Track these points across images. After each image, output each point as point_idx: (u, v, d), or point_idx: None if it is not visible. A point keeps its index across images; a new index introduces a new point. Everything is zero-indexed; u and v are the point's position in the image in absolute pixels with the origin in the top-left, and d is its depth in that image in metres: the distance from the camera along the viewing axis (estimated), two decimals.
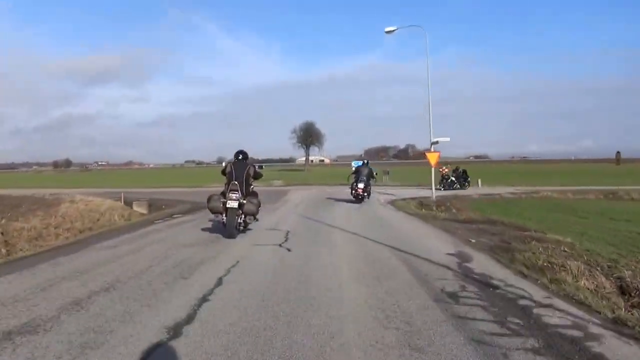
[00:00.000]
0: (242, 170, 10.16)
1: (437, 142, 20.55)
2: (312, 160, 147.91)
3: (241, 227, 10.19)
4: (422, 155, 25.37)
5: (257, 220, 10.66)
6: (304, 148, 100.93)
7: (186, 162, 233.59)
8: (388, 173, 43.33)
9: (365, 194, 20.00)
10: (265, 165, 15.00)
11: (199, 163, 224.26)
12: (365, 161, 22.00)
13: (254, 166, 10.64)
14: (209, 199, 10.05)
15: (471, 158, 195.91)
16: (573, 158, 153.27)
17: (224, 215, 9.90)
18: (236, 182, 9.93)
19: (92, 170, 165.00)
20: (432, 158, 20.23)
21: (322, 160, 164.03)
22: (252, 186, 10.44)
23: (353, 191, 19.77)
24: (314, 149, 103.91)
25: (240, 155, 10.48)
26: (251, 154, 11.14)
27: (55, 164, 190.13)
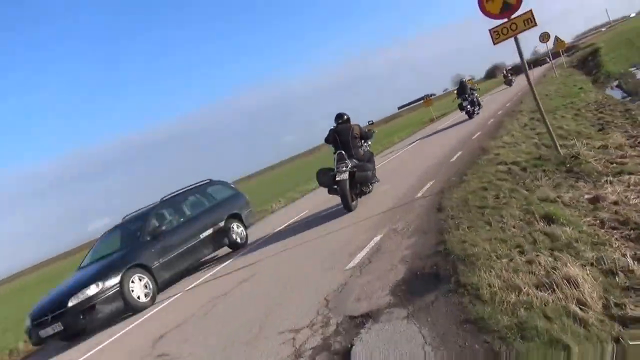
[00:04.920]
0: (346, 134, 9.66)
1: None
2: None
3: (362, 195, 9.96)
4: None
5: (377, 181, 10.35)
6: None
7: None
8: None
9: (475, 107, 21.45)
10: None
11: None
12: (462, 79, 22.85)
13: (359, 125, 10.15)
14: (317, 174, 9.75)
15: None
16: None
17: (336, 187, 9.42)
18: (342, 152, 9.36)
19: None
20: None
21: None
22: (365, 147, 10.11)
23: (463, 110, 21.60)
24: None
25: (344, 116, 9.91)
26: None
27: None
